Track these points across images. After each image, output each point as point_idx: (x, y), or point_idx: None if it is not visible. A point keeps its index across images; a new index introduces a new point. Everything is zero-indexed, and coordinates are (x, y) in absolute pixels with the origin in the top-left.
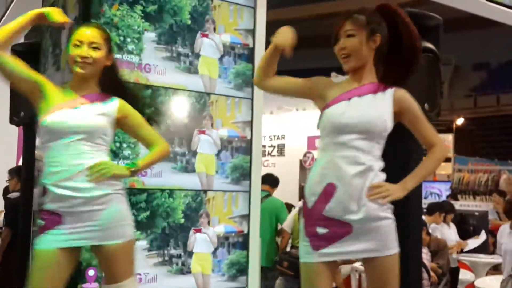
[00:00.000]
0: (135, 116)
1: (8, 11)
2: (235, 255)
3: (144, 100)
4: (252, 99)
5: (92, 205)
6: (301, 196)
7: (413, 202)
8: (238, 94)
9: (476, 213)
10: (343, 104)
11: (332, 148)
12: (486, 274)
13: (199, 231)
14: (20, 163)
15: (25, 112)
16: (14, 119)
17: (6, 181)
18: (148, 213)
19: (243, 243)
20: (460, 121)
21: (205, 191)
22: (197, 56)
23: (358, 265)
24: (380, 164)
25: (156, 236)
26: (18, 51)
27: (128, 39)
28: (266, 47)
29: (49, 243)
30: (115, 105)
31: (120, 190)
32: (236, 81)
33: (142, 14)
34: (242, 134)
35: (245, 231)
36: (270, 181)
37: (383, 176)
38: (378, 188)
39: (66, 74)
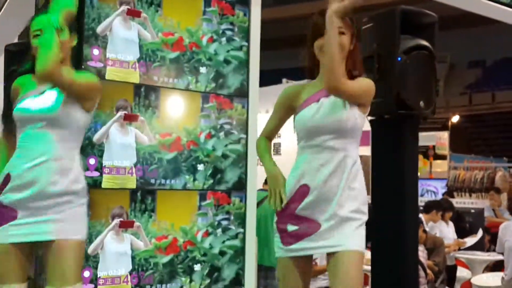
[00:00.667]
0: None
1: (2, 10)
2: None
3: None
4: (247, 97)
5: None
6: None
7: (409, 200)
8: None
9: (472, 210)
10: (313, 106)
11: (308, 150)
12: (483, 272)
13: None
14: None
15: None
16: None
17: None
18: None
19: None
20: (455, 118)
21: None
22: None
23: None
24: (357, 160)
25: None
26: (12, 51)
27: None
28: (261, 46)
29: None
30: None
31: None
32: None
33: None
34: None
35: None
36: None
37: (360, 173)
38: None
39: None
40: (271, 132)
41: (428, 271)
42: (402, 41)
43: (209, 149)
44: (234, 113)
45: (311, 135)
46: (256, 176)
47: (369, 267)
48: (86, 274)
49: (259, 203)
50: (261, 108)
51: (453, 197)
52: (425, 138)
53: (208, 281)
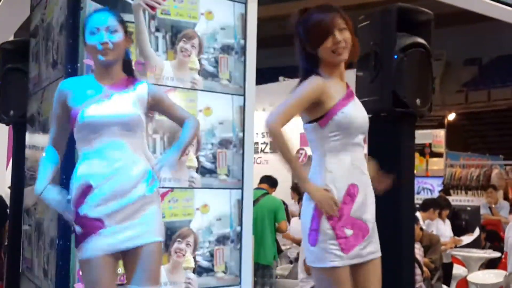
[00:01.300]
0: (165, 97)
1: None
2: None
3: None
4: (244, 95)
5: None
6: (297, 194)
7: (405, 198)
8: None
9: (468, 208)
10: (351, 105)
11: (349, 148)
12: (479, 269)
13: None
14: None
15: (14, 110)
16: (3, 117)
17: None
18: None
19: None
20: (451, 116)
21: None
22: None
23: None
24: None
25: None
26: (7, 49)
27: None
28: (257, 44)
29: None
30: (144, 88)
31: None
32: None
33: None
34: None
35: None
36: (270, 181)
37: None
38: None
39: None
40: (287, 122)
41: (424, 268)
42: (398, 39)
43: (206, 147)
44: (230, 111)
45: (354, 133)
46: (253, 175)
47: None
48: None
49: (255, 202)
50: (258, 106)
51: (449, 194)
52: (422, 136)
53: (204, 279)
